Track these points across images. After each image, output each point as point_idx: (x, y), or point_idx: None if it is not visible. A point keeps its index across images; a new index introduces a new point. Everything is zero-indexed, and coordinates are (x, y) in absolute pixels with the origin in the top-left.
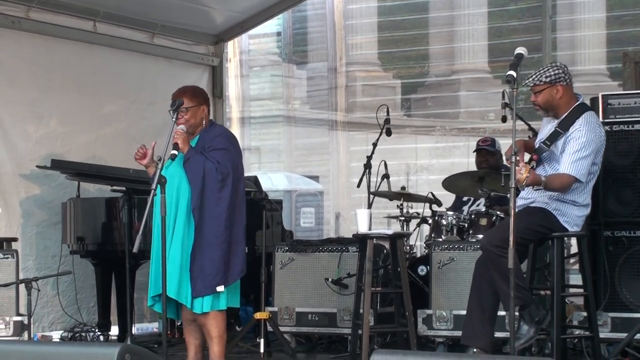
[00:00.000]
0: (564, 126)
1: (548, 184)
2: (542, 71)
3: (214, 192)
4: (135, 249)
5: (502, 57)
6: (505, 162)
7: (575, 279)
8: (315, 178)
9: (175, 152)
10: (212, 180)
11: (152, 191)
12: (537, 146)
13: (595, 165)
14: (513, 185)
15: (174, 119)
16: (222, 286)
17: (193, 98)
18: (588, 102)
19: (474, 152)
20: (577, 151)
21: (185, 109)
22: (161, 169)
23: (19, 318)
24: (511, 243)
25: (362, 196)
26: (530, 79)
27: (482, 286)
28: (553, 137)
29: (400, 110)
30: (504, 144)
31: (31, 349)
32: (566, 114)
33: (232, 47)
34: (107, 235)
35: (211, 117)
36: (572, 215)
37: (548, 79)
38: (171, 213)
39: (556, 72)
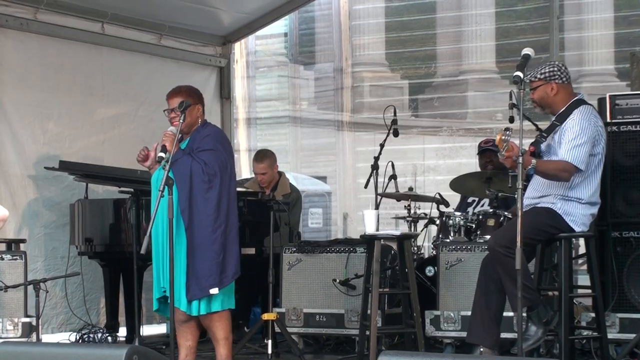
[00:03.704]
0: (561, 119)
1: (540, 166)
2: (538, 69)
3: (202, 193)
4: (142, 250)
5: (510, 57)
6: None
7: (584, 279)
8: (323, 179)
9: (162, 154)
10: (199, 181)
11: (160, 192)
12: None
13: (595, 157)
14: (520, 187)
15: (181, 120)
16: (217, 289)
17: (188, 97)
18: (596, 103)
19: (477, 153)
20: (573, 139)
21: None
22: (168, 171)
23: (27, 319)
24: (518, 244)
25: (369, 197)
26: (528, 76)
27: (488, 286)
28: (550, 130)
29: (408, 111)
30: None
31: (39, 350)
32: (563, 108)
33: (239, 49)
34: (115, 236)
35: (219, 118)
36: (578, 214)
37: (542, 76)
38: (164, 216)
39: (551, 69)
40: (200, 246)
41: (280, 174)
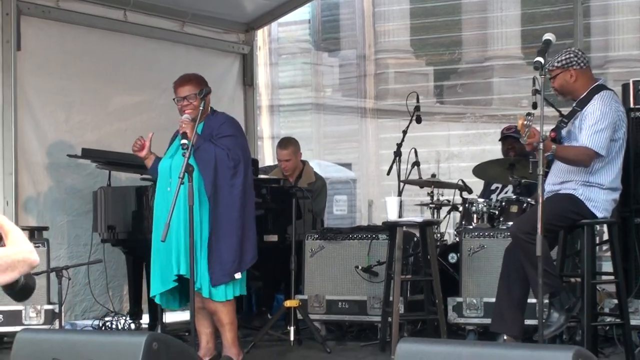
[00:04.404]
0: (581, 105)
1: (560, 152)
2: (555, 57)
3: (227, 180)
4: (163, 238)
5: (535, 43)
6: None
7: (608, 266)
8: (347, 166)
9: (185, 141)
10: (224, 168)
11: (180, 180)
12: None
13: (616, 143)
14: (541, 173)
15: (202, 107)
16: (239, 273)
17: (199, 85)
18: (620, 89)
19: (499, 140)
20: (593, 125)
21: (195, 95)
22: (188, 158)
23: (50, 306)
24: (539, 230)
25: (392, 184)
26: (546, 66)
27: (511, 273)
28: (571, 115)
29: (433, 98)
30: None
31: (60, 338)
32: (584, 94)
33: (262, 35)
34: (137, 223)
35: (242, 105)
36: (600, 199)
37: (560, 64)
38: (180, 203)
39: (568, 56)
40: (225, 232)
41: (304, 162)
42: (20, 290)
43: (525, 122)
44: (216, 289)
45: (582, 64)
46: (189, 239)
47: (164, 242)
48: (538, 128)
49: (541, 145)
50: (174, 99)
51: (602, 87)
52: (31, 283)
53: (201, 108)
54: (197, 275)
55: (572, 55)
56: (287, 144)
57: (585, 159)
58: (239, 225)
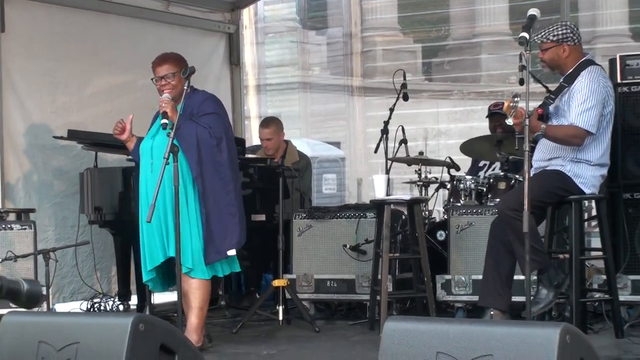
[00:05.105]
0: (569, 80)
1: (550, 132)
2: (550, 29)
3: (212, 158)
4: (148, 219)
5: (524, 18)
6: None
7: (596, 242)
8: (336, 144)
9: (165, 121)
10: (207, 146)
11: (165, 160)
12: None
13: (604, 118)
14: (527, 149)
15: (185, 87)
16: (234, 250)
17: (178, 63)
18: (607, 64)
19: (486, 117)
20: (582, 102)
21: (172, 74)
22: (173, 138)
23: None
24: (526, 207)
25: (379, 162)
26: (539, 36)
27: (497, 248)
28: (558, 91)
29: (421, 75)
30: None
31: (46, 320)
32: (571, 69)
33: (247, 14)
34: (124, 204)
35: (229, 85)
36: (587, 175)
37: (555, 38)
38: (166, 184)
39: (564, 31)
40: (215, 210)
41: (287, 142)
42: (28, 299)
43: (512, 104)
44: (195, 267)
45: (575, 40)
46: (175, 220)
47: (153, 227)
48: (524, 105)
49: (527, 121)
50: (152, 79)
51: (589, 62)
52: (36, 290)
53: (185, 88)
54: (184, 254)
55: (567, 30)
56: (269, 122)
57: (575, 140)
58: (228, 202)
